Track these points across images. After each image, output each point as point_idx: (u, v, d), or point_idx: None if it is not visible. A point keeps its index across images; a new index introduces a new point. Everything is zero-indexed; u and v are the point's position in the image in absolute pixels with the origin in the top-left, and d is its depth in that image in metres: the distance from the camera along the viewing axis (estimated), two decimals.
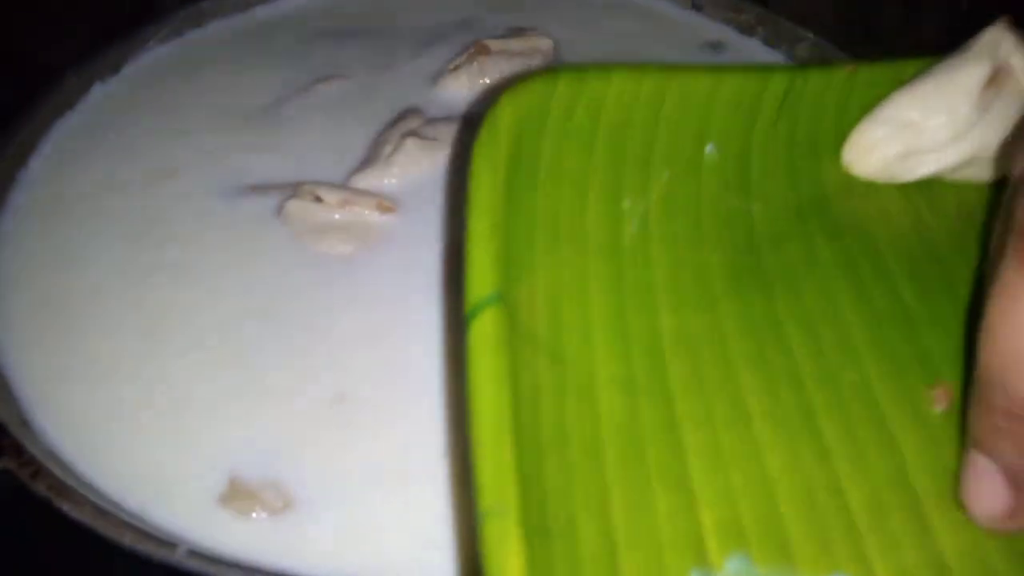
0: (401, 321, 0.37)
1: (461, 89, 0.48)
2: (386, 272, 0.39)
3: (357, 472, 0.32)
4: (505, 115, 0.32)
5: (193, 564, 0.27)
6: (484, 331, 0.27)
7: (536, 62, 0.49)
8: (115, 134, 0.46)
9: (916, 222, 0.37)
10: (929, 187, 0.38)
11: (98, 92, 0.47)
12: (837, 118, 0.38)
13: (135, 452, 0.33)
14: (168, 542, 0.28)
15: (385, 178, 0.43)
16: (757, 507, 0.28)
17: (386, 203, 0.41)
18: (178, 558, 0.27)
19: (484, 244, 0.29)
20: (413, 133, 0.44)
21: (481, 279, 0.28)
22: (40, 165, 0.44)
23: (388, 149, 0.44)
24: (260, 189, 0.43)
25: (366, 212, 0.41)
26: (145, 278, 0.39)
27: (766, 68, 0.37)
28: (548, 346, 0.29)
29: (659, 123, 0.36)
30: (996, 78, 0.35)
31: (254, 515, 0.30)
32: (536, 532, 0.24)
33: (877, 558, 0.27)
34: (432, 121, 0.46)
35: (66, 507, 0.29)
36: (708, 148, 0.37)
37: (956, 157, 0.36)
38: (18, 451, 0.31)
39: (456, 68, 0.49)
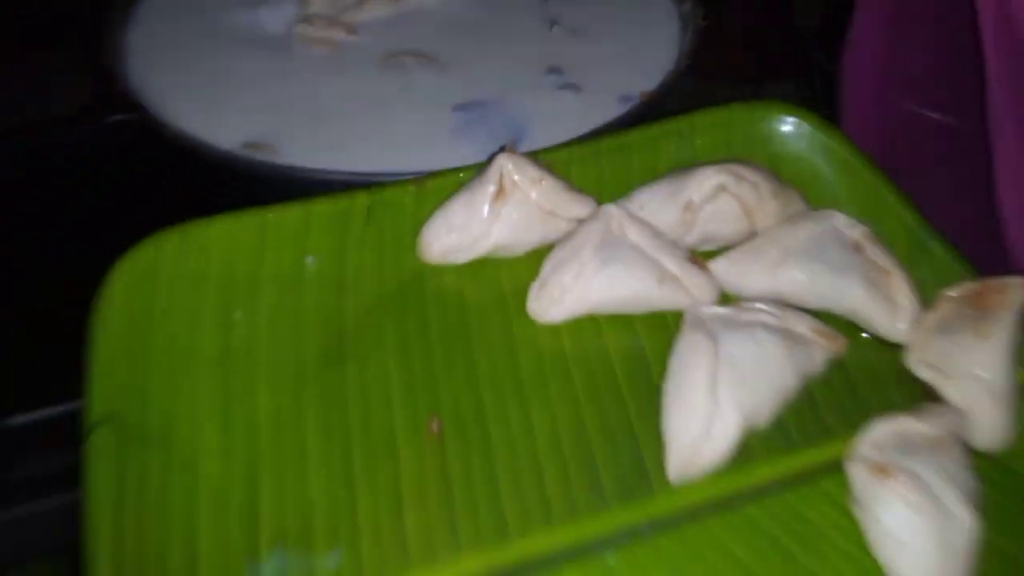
0: (349, 86, 0.67)
1: None
2: (345, 64, 0.70)
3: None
4: (118, 285, 0.42)
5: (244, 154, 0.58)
6: (95, 443, 0.37)
7: None
8: None
9: (459, 294, 0.46)
10: (479, 265, 0.47)
11: None
12: (414, 221, 0.47)
13: (201, 111, 0.63)
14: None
15: (358, 14, 0.73)
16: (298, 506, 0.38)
17: (352, 27, 0.72)
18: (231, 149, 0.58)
19: (97, 389, 0.39)
20: None
21: (90, 409, 0.38)
22: None
23: None
24: (299, 16, 0.73)
25: (340, 32, 0.72)
26: (224, 43, 0.71)
27: (350, 191, 0.48)
28: (158, 441, 0.38)
29: (264, 251, 0.45)
30: (503, 190, 0.47)
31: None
32: None
33: (366, 532, 0.37)
34: None
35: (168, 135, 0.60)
36: (308, 260, 0.46)
37: (485, 247, 0.47)
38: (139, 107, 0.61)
39: None
